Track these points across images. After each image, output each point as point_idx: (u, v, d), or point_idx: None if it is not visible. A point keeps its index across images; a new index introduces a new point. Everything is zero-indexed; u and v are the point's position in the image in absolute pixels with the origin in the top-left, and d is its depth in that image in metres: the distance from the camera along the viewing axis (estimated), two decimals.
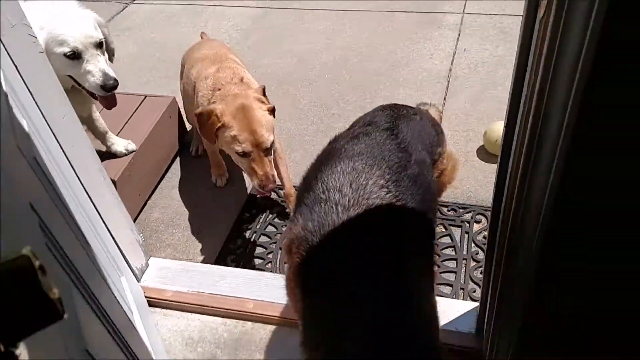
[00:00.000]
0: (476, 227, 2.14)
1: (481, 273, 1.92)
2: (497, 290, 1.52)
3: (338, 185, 1.23)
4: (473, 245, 2.08)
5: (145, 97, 2.62)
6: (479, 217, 2.17)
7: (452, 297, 1.90)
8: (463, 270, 1.99)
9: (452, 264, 2.01)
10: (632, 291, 1.32)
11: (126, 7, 4.08)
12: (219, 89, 1.99)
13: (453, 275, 1.98)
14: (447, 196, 2.26)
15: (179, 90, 2.55)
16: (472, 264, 2.01)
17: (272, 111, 1.95)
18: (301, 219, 1.22)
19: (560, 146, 1.12)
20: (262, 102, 1.92)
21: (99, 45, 1.92)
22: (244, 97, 1.90)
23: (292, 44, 3.36)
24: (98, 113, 2.26)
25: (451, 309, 1.71)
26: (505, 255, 1.46)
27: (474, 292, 1.91)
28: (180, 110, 2.68)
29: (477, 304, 1.67)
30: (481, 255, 2.02)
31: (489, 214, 2.15)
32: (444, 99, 2.73)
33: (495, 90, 2.73)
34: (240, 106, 1.85)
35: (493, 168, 2.28)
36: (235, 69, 2.15)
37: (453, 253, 2.05)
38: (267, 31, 3.54)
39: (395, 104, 1.65)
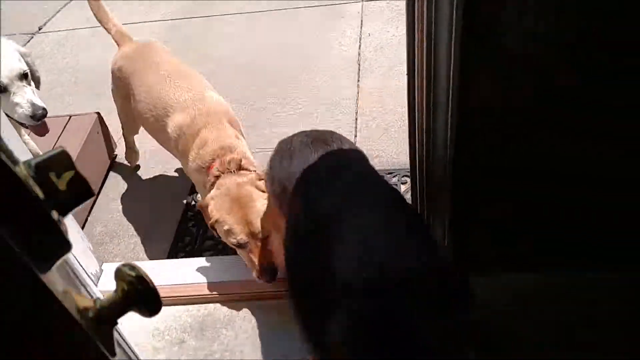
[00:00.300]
0: (403, 187, 2.34)
1: None
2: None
3: None
4: None
5: (70, 117, 2.65)
6: (404, 179, 2.38)
7: None
8: None
9: None
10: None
11: (32, 37, 4.03)
12: (217, 176, 1.80)
13: None
14: (374, 165, 2.46)
15: (110, 102, 2.51)
16: None
17: None
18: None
19: (451, 104, 1.37)
20: (263, 190, 1.78)
21: (24, 76, 1.95)
22: (243, 187, 1.76)
23: (206, 51, 3.46)
24: (27, 136, 2.28)
25: None
26: (426, 202, 1.69)
27: None
28: (108, 125, 2.72)
29: None
30: None
31: None
32: (358, 80, 2.94)
33: (402, 67, 2.95)
34: (237, 198, 1.73)
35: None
36: (229, 142, 1.87)
37: None
38: (179, 42, 3.63)
39: (317, 141, 1.50)
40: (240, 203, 1.73)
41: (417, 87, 1.50)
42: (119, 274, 0.57)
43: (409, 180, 2.37)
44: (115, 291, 0.57)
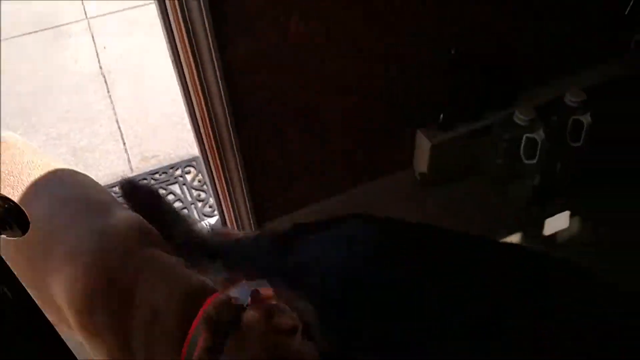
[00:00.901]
0: (189, 177, 2.39)
1: (209, 207, 2.22)
2: (229, 201, 1.85)
3: None
4: (193, 190, 2.32)
5: None
6: (187, 168, 2.42)
7: None
8: (195, 211, 2.23)
9: (185, 212, 2.23)
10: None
11: None
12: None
13: None
14: (154, 166, 2.46)
15: None
16: (199, 204, 2.26)
17: None
18: None
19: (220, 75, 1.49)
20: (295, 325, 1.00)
21: None
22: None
23: None
24: None
25: None
26: (224, 182, 1.79)
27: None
28: None
29: (218, 217, 1.97)
30: (203, 195, 2.29)
31: (193, 162, 2.43)
32: (108, 91, 2.85)
33: (150, 71, 2.97)
34: None
35: (180, 132, 2.57)
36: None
37: (181, 204, 2.27)
38: None
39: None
40: None
41: (188, 76, 1.56)
42: None
43: (192, 169, 2.43)
44: None
